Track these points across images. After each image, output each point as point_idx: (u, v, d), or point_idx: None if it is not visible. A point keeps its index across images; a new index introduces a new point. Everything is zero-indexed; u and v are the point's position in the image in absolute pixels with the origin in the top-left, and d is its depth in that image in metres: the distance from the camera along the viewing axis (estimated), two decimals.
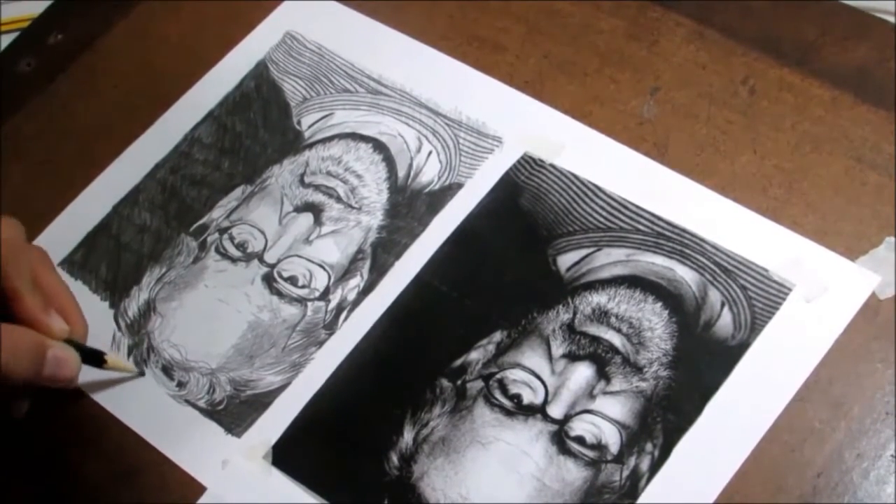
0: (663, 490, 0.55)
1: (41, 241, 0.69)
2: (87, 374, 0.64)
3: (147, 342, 0.65)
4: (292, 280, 0.65)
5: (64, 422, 0.63)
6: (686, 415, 0.57)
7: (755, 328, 0.58)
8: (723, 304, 0.59)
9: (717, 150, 0.63)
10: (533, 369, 0.59)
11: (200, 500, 0.59)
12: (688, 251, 0.61)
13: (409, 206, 0.66)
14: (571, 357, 0.59)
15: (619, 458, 0.56)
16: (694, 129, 0.64)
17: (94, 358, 0.62)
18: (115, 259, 0.68)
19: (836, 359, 0.57)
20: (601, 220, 0.63)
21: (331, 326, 0.63)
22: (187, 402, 0.62)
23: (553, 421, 0.58)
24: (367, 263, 0.64)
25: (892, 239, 0.59)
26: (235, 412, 0.62)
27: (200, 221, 0.68)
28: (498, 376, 0.59)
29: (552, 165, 0.65)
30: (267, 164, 0.69)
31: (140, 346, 0.64)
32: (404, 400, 0.60)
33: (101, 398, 0.63)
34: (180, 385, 0.63)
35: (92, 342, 0.64)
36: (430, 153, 0.67)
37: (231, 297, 0.65)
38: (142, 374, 0.64)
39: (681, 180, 0.63)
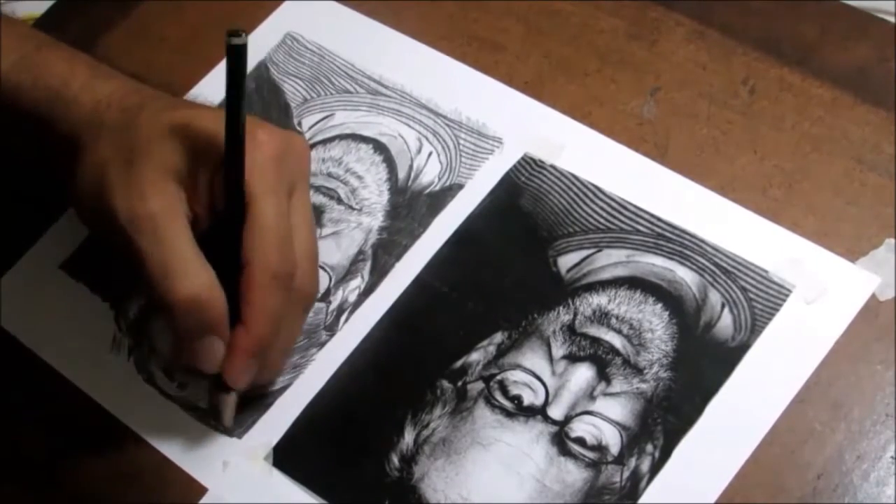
0: (664, 491, 0.55)
1: (44, 241, 0.69)
2: (88, 374, 0.64)
3: (148, 343, 0.65)
4: None
5: (64, 423, 0.63)
6: (686, 416, 0.57)
7: (755, 329, 0.58)
8: (723, 306, 0.59)
9: (717, 151, 0.63)
10: (533, 370, 0.59)
11: (201, 501, 0.60)
12: (688, 252, 0.61)
13: (410, 207, 0.66)
14: (572, 358, 0.59)
15: (620, 460, 0.56)
16: (694, 130, 0.64)
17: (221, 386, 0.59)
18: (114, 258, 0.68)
19: (837, 360, 0.57)
20: (601, 221, 0.63)
21: (331, 328, 0.63)
22: (188, 403, 0.62)
23: (553, 422, 0.58)
24: (368, 265, 0.64)
25: (893, 240, 0.59)
26: (236, 413, 0.62)
27: None
28: (498, 377, 0.60)
29: (552, 166, 0.65)
30: None
31: (141, 347, 0.64)
32: (405, 401, 0.60)
33: (102, 399, 0.63)
34: (181, 386, 0.63)
35: (91, 342, 0.65)
36: (430, 154, 0.67)
37: None
38: (227, 430, 0.61)
39: (681, 181, 0.63)
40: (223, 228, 0.58)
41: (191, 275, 0.56)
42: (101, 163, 0.59)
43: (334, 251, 0.65)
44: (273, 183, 0.58)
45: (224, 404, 0.60)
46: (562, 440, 0.57)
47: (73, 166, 0.60)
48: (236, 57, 0.55)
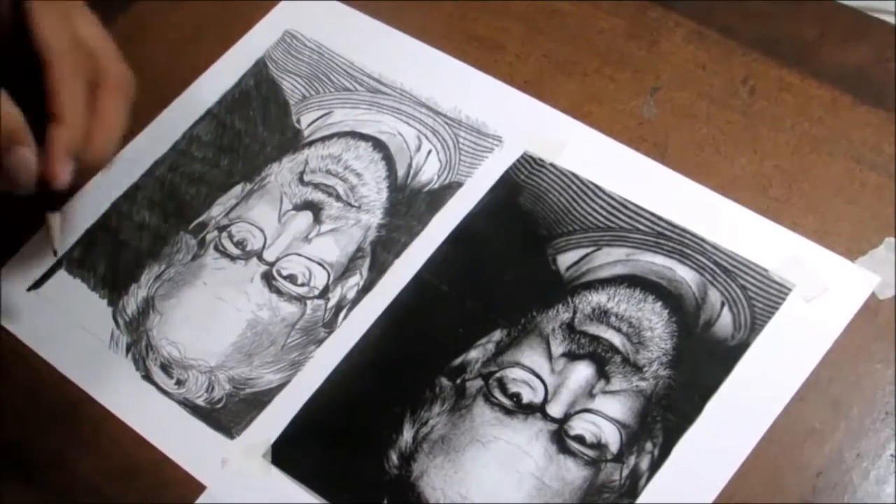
0: (663, 489, 0.55)
1: (38, 237, 0.69)
2: (86, 372, 0.64)
3: (146, 340, 0.64)
4: (291, 278, 0.65)
5: (64, 421, 0.63)
6: (686, 414, 0.57)
7: (755, 328, 0.58)
8: (723, 304, 0.59)
9: (717, 151, 0.63)
10: (533, 368, 0.59)
11: (200, 499, 0.59)
12: (688, 251, 0.61)
13: (409, 204, 0.66)
14: (571, 356, 0.59)
15: (619, 458, 0.56)
16: (694, 129, 0.64)
17: (45, 201, 0.61)
18: (113, 256, 0.68)
19: (836, 359, 0.57)
20: (601, 219, 0.63)
21: (330, 325, 0.63)
22: (186, 400, 0.62)
23: (553, 420, 0.58)
24: (367, 262, 0.64)
25: (892, 239, 0.59)
26: (234, 411, 0.61)
27: (199, 219, 0.68)
28: (497, 375, 0.59)
29: (552, 165, 0.65)
30: (266, 162, 0.69)
31: (139, 344, 0.64)
32: (404, 399, 0.60)
33: (101, 397, 0.63)
34: (179, 383, 0.63)
35: (91, 340, 0.65)
36: (429, 152, 0.67)
37: (230, 295, 0.65)
38: (54, 252, 0.63)
39: (680, 180, 0.63)
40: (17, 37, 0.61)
41: None
42: None
43: (333, 248, 0.65)
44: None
45: (51, 223, 0.61)
46: (561, 438, 0.57)
47: None
48: None
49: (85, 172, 0.63)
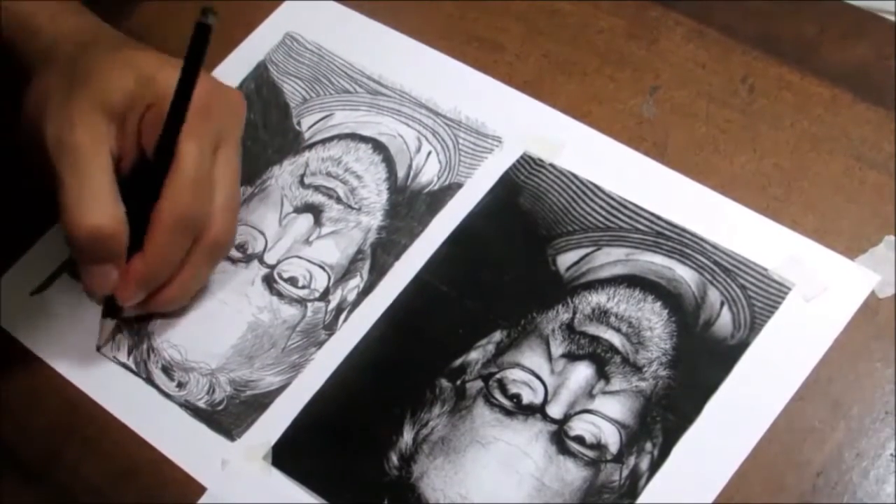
0: (663, 489, 0.55)
1: (43, 241, 0.69)
2: (88, 374, 0.64)
3: (147, 342, 0.65)
4: (292, 281, 0.65)
5: (64, 421, 0.63)
6: (685, 414, 0.57)
7: (755, 327, 0.58)
8: (722, 304, 0.59)
9: (717, 150, 0.63)
10: (532, 369, 0.59)
11: (200, 501, 0.60)
12: (687, 250, 0.61)
13: (409, 206, 0.66)
14: (571, 357, 0.59)
15: (619, 458, 0.56)
16: (693, 129, 0.64)
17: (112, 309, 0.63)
18: None
19: (836, 358, 0.56)
20: (601, 219, 0.62)
21: (331, 327, 0.63)
22: (187, 402, 0.62)
23: (552, 421, 0.58)
24: (367, 264, 0.64)
25: (892, 238, 0.59)
26: (235, 412, 0.62)
27: None
28: (497, 376, 0.59)
29: (552, 165, 0.65)
30: (267, 165, 0.69)
31: (140, 347, 0.65)
32: (404, 400, 0.60)
33: (101, 398, 0.63)
34: (180, 385, 0.63)
35: (93, 343, 0.65)
36: (429, 153, 0.67)
37: (231, 298, 0.65)
38: (97, 348, 0.64)
39: (680, 179, 0.63)
40: (150, 171, 0.61)
41: (100, 206, 0.59)
42: (45, 90, 0.61)
43: (333, 250, 0.65)
44: (197, 130, 0.60)
45: (103, 326, 0.64)
46: (561, 439, 0.57)
47: (23, 93, 0.62)
48: (203, 32, 0.59)
49: (146, 307, 0.63)
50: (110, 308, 0.63)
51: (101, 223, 0.59)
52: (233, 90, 0.64)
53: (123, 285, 0.61)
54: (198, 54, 0.59)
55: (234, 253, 0.66)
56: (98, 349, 0.64)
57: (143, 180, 0.61)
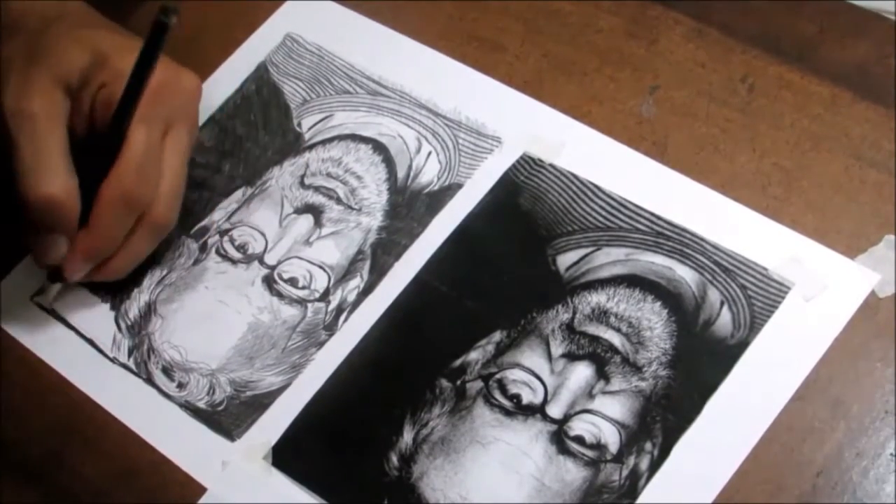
0: (663, 489, 0.55)
1: None
2: (88, 375, 0.64)
3: (147, 343, 0.65)
4: (292, 281, 0.65)
5: (64, 422, 0.63)
6: (685, 414, 0.56)
7: (754, 327, 0.58)
8: (722, 303, 0.59)
9: (717, 149, 0.63)
10: (532, 369, 0.59)
11: (200, 501, 0.60)
12: (687, 250, 0.61)
13: (409, 206, 0.66)
14: (571, 357, 0.59)
15: (619, 458, 0.56)
16: (693, 128, 0.64)
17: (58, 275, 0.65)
18: None
19: (836, 357, 0.56)
20: (600, 219, 0.62)
21: (331, 327, 0.63)
22: (187, 402, 0.62)
23: (552, 421, 0.58)
24: (367, 264, 0.64)
25: (892, 237, 0.59)
26: (235, 413, 0.62)
27: (201, 223, 0.68)
28: (497, 376, 0.59)
29: (551, 165, 0.65)
30: (267, 166, 0.69)
31: (140, 348, 0.65)
32: (404, 400, 0.60)
33: (102, 398, 0.64)
34: (180, 386, 0.63)
35: (91, 342, 0.65)
36: (429, 154, 0.67)
37: (231, 299, 0.65)
38: (41, 305, 0.66)
39: (680, 179, 0.63)
40: (99, 150, 0.62)
41: (53, 176, 0.61)
42: (6, 59, 0.63)
43: (333, 251, 0.65)
44: (147, 114, 0.62)
45: (50, 288, 0.66)
46: (561, 439, 0.57)
47: None
48: (160, 31, 0.59)
49: (89, 275, 0.65)
50: (55, 274, 0.65)
51: (55, 192, 0.60)
52: (188, 74, 0.65)
53: (70, 258, 0.63)
54: (153, 51, 0.60)
55: (235, 254, 0.67)
56: (40, 306, 0.66)
57: (92, 158, 0.62)
